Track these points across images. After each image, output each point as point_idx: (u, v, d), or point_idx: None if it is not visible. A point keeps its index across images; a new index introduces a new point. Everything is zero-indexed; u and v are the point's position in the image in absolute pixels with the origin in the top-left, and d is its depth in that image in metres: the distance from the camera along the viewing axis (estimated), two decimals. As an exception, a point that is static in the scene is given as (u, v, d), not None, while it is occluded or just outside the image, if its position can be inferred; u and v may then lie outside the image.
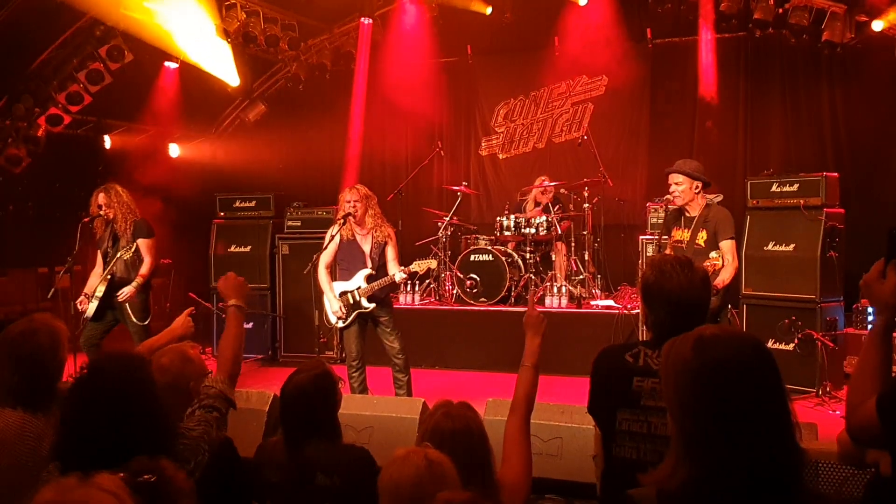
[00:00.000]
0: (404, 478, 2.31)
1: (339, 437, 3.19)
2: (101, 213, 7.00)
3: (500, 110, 11.81)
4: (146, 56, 10.01)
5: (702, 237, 5.58)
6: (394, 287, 6.69)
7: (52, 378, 2.96)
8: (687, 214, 5.74)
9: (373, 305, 6.49)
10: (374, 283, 6.43)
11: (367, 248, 6.55)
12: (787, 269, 7.45)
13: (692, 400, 1.81)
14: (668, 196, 5.85)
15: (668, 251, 5.77)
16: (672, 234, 5.84)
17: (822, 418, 6.33)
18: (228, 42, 10.21)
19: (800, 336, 7.17)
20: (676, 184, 5.70)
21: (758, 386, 1.79)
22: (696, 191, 5.69)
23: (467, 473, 2.47)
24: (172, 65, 10.58)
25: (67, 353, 3.08)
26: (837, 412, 6.62)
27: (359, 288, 6.48)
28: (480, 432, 2.71)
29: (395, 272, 6.45)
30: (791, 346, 7.25)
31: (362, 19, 11.23)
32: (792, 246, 7.46)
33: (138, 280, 6.95)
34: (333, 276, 6.75)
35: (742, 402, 1.76)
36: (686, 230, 5.70)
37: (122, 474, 1.85)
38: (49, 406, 2.87)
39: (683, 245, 5.63)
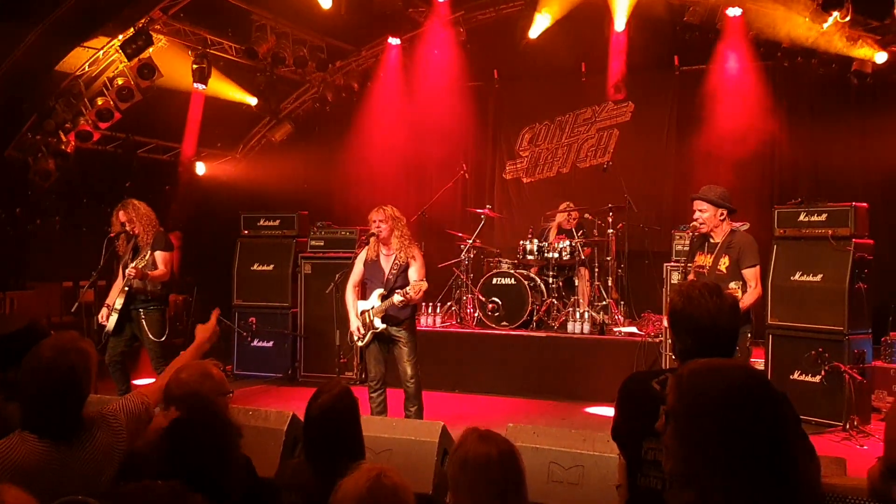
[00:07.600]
0: (348, 497, 2.29)
1: (364, 457, 3.15)
2: (126, 229, 7.00)
3: (524, 134, 11.81)
4: (176, 75, 10.13)
5: (723, 263, 5.56)
6: (412, 308, 6.60)
7: (80, 405, 2.80)
8: (711, 240, 5.73)
9: (384, 326, 6.42)
10: (383, 304, 6.40)
11: (387, 268, 6.52)
12: (815, 299, 7.33)
13: (688, 430, 1.78)
14: (693, 223, 5.82)
15: (691, 276, 5.74)
16: (696, 259, 5.84)
17: (850, 453, 6.21)
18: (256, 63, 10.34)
19: (826, 368, 7.03)
20: (701, 210, 5.70)
21: (750, 417, 1.72)
22: (721, 217, 5.66)
23: (504, 497, 2.47)
24: (201, 85, 10.69)
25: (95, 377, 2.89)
26: (866, 447, 6.49)
27: (373, 308, 6.45)
28: (515, 454, 2.63)
29: (395, 294, 6.33)
30: (818, 379, 7.12)
31: (390, 40, 11.32)
32: (819, 276, 7.34)
33: (145, 273, 6.82)
34: (363, 296, 6.72)
35: (735, 432, 1.70)
36: (709, 255, 5.69)
37: None
38: (75, 435, 2.74)
39: (705, 270, 5.63)
